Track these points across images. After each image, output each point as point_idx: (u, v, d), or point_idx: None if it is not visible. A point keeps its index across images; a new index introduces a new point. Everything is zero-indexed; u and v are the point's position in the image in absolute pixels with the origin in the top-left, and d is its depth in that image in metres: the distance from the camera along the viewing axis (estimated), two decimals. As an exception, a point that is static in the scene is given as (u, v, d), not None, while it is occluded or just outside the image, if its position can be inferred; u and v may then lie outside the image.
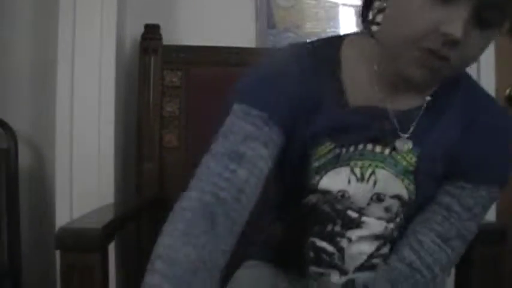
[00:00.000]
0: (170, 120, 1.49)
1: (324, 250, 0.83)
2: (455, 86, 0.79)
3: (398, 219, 0.81)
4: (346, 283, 0.83)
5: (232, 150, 0.71)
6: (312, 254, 0.84)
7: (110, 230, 0.99)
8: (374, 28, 0.77)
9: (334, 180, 0.78)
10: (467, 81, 0.81)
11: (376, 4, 0.77)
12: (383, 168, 0.77)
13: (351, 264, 0.82)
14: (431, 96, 0.78)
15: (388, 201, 0.79)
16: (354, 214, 0.80)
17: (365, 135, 0.77)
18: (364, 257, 0.82)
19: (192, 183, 0.70)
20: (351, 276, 0.83)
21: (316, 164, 0.78)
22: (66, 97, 1.43)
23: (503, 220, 1.63)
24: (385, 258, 0.82)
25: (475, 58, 0.70)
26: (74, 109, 1.43)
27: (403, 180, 0.77)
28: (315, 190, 0.79)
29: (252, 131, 0.72)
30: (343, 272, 0.83)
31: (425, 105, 0.78)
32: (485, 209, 0.80)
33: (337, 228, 0.81)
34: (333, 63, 0.78)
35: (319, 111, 0.76)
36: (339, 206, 0.80)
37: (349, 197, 0.78)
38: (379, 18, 0.76)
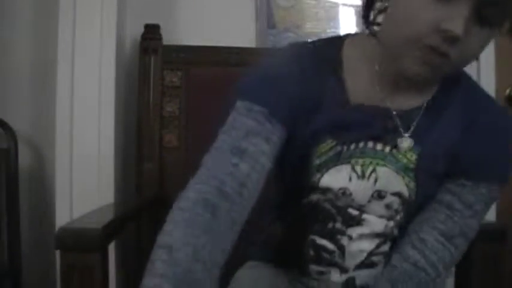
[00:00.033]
0: (170, 120, 1.49)
1: (324, 248, 0.83)
2: (455, 86, 0.80)
3: (398, 217, 0.81)
4: (347, 281, 0.84)
5: (234, 145, 0.71)
6: (312, 252, 0.84)
7: (110, 230, 0.99)
8: (375, 28, 0.78)
9: (335, 178, 0.78)
10: (467, 81, 0.82)
11: (378, 5, 0.77)
12: (384, 165, 0.78)
13: (351, 262, 0.83)
14: (432, 96, 0.79)
15: (389, 199, 0.79)
16: (354, 212, 0.80)
17: (366, 133, 0.78)
18: (364, 255, 0.82)
19: (194, 177, 0.70)
20: (351, 274, 0.83)
21: (317, 162, 0.78)
22: (66, 97, 1.43)
23: (503, 220, 1.63)
24: (385, 255, 0.82)
25: (475, 55, 0.71)
26: (74, 109, 1.43)
27: (403, 178, 0.78)
28: (315, 188, 0.79)
29: (253, 126, 0.73)
30: (343, 270, 0.83)
31: (425, 104, 0.79)
32: (487, 206, 0.80)
33: (338, 226, 0.82)
34: (334, 62, 0.79)
35: (321, 110, 0.77)
36: (339, 204, 0.80)
37: (350, 194, 0.79)
38: (380, 18, 0.77)
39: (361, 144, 0.78)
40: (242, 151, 0.70)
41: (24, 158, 1.57)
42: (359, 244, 0.82)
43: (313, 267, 0.85)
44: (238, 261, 0.95)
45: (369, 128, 0.78)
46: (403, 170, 0.78)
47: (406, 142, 0.77)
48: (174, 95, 1.49)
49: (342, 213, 0.81)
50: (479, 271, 1.06)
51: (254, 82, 0.77)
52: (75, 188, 1.43)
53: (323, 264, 0.84)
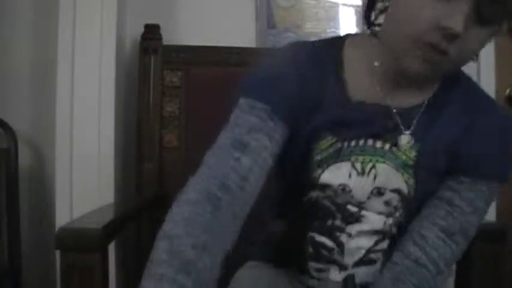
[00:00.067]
0: (170, 120, 1.49)
1: (323, 245, 0.83)
2: (455, 86, 0.81)
3: (397, 214, 0.81)
4: (346, 278, 0.84)
5: (237, 140, 0.72)
6: (311, 249, 0.85)
7: (110, 230, 0.99)
8: (376, 29, 0.80)
9: (335, 174, 0.79)
10: (467, 82, 0.83)
11: (378, 5, 0.79)
12: (383, 162, 0.78)
13: (349, 259, 0.83)
14: (433, 94, 0.80)
15: (388, 195, 0.79)
16: (353, 208, 0.81)
17: (366, 131, 0.78)
18: (363, 252, 0.83)
19: (196, 174, 0.70)
20: (350, 271, 0.83)
21: (317, 158, 0.79)
22: (66, 97, 1.43)
23: (503, 220, 1.63)
24: (384, 253, 0.83)
25: (474, 54, 0.72)
26: (74, 109, 1.43)
27: (402, 175, 0.79)
28: (315, 185, 0.80)
29: (256, 122, 0.74)
30: (342, 267, 0.83)
31: (426, 102, 0.80)
32: (487, 204, 0.80)
33: (337, 223, 0.82)
34: (335, 62, 0.80)
35: (321, 108, 0.78)
36: (339, 201, 0.81)
37: (349, 191, 0.79)
38: (380, 19, 0.78)
39: (361, 142, 0.79)
40: (244, 145, 0.71)
41: (24, 158, 1.57)
42: (358, 241, 0.82)
43: (312, 265, 0.85)
44: (238, 261, 0.95)
45: (369, 125, 0.78)
46: (402, 167, 0.78)
47: (405, 139, 0.78)
48: (174, 95, 1.49)
49: (342, 210, 0.81)
50: (479, 271, 1.06)
51: (257, 80, 0.78)
52: (75, 188, 1.43)
53: (322, 261, 0.84)
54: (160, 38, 1.50)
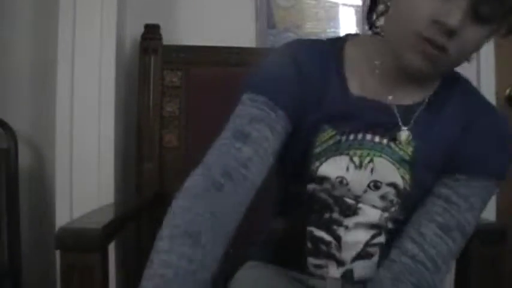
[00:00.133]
0: (170, 120, 1.49)
1: (321, 240, 0.84)
2: (454, 86, 0.83)
3: (393, 209, 0.82)
4: (345, 274, 0.84)
5: (238, 130, 0.74)
6: (310, 245, 0.85)
7: (110, 230, 0.99)
8: (377, 29, 0.82)
9: (333, 167, 0.80)
10: (465, 84, 0.85)
11: (380, 8, 0.81)
12: (380, 156, 0.80)
13: (347, 254, 0.84)
14: (433, 92, 0.82)
15: (384, 189, 0.80)
16: (350, 201, 0.82)
17: (365, 125, 0.80)
18: (360, 246, 0.83)
19: (198, 166, 0.72)
20: (348, 267, 0.84)
21: (317, 150, 0.80)
22: (66, 97, 1.43)
23: (503, 220, 1.64)
24: (381, 247, 0.83)
25: (473, 52, 0.74)
26: (74, 109, 1.43)
27: (399, 169, 0.80)
28: (313, 178, 0.81)
29: (257, 114, 0.76)
30: (340, 263, 0.84)
31: (427, 100, 0.82)
32: (483, 202, 0.81)
33: (335, 216, 0.83)
34: (337, 60, 0.83)
35: (322, 102, 0.80)
36: (336, 193, 0.82)
37: (346, 184, 0.80)
38: (381, 21, 0.81)
39: (359, 136, 0.80)
40: (245, 136, 0.74)
41: (24, 158, 1.57)
42: (355, 234, 0.83)
43: (311, 260, 0.86)
44: (238, 261, 0.95)
45: (368, 119, 0.80)
46: (399, 162, 0.80)
47: (404, 135, 0.80)
48: (174, 95, 1.49)
49: (339, 203, 0.82)
50: (479, 271, 1.06)
51: (258, 76, 0.81)
52: (75, 188, 1.43)
53: (321, 256, 0.85)
54: (160, 38, 1.50)
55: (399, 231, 0.81)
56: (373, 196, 0.81)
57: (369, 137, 0.80)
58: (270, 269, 0.92)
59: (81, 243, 0.91)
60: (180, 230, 0.64)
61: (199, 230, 0.64)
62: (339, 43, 0.85)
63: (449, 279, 1.07)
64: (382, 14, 0.81)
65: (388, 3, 0.77)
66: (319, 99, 0.80)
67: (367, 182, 0.80)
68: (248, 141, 0.73)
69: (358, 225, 0.82)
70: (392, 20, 0.76)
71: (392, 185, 0.80)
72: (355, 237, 0.83)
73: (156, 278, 0.60)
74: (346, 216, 0.82)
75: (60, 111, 1.44)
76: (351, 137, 0.80)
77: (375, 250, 0.84)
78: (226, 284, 0.89)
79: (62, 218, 1.37)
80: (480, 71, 1.72)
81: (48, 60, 1.52)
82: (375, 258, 0.84)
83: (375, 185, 0.80)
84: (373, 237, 0.83)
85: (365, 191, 0.81)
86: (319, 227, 0.84)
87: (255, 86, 0.79)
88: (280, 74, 0.80)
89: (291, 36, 1.69)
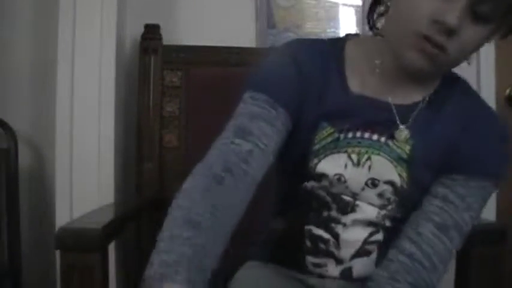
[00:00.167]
0: (170, 120, 1.49)
1: (320, 238, 0.85)
2: (453, 87, 0.84)
3: (390, 207, 0.83)
4: (343, 272, 0.85)
5: (238, 127, 0.76)
6: (309, 243, 0.86)
7: (110, 230, 0.99)
8: (378, 30, 0.83)
9: (331, 165, 0.81)
10: (464, 85, 0.86)
11: (380, 9, 0.82)
12: (378, 154, 0.81)
13: (346, 252, 0.84)
14: (432, 92, 0.83)
15: (382, 187, 0.81)
16: (348, 198, 0.83)
17: (364, 122, 0.81)
18: (359, 244, 0.84)
19: (201, 161, 0.73)
20: (346, 265, 0.85)
21: (315, 148, 0.81)
22: (66, 97, 1.43)
23: (503, 220, 1.64)
24: (379, 245, 0.84)
25: (472, 52, 0.75)
26: (74, 109, 1.43)
27: (396, 167, 0.80)
28: (312, 175, 0.82)
29: (258, 111, 0.77)
30: (339, 261, 0.85)
31: (427, 98, 0.82)
32: (480, 203, 0.81)
33: (333, 214, 0.84)
34: (337, 59, 0.83)
35: (322, 100, 0.81)
36: (334, 190, 0.82)
37: (344, 181, 0.81)
38: (381, 21, 0.82)
39: (358, 134, 0.81)
40: (246, 132, 0.75)
41: (24, 158, 1.57)
42: (353, 231, 0.83)
43: (310, 259, 0.86)
44: (238, 261, 0.95)
45: (367, 117, 0.81)
46: (397, 160, 0.80)
47: (402, 133, 0.81)
48: (174, 95, 1.49)
49: (337, 200, 0.83)
50: (479, 271, 1.06)
51: (260, 75, 0.82)
52: (75, 188, 1.43)
53: (320, 255, 0.85)
54: (160, 38, 1.50)
55: (397, 229, 0.82)
56: (371, 194, 0.82)
57: (367, 135, 0.81)
58: (269, 268, 0.92)
59: (81, 243, 0.91)
60: (180, 222, 0.64)
61: (199, 220, 0.64)
62: (339, 43, 0.86)
63: (449, 279, 1.07)
64: (382, 14, 0.81)
65: (389, 4, 0.78)
66: (319, 97, 0.81)
67: (365, 180, 0.81)
68: (248, 137, 0.74)
69: (355, 223, 0.83)
70: (393, 20, 0.77)
71: (390, 182, 0.81)
72: (353, 234, 0.84)
73: (158, 262, 0.61)
74: (344, 213, 0.83)
75: (60, 111, 1.44)
76: (350, 134, 0.81)
77: (373, 248, 0.84)
78: (226, 284, 0.89)
79: (62, 218, 1.37)
80: (480, 71, 1.72)
81: (48, 60, 1.52)
82: (373, 256, 0.84)
83: (373, 183, 0.81)
84: (371, 234, 0.84)
85: (362, 189, 0.82)
86: (317, 225, 0.85)
87: (256, 84, 0.80)
88: (280, 73, 0.81)
89: (291, 36, 1.69)
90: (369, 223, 0.83)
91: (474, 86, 0.89)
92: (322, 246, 0.85)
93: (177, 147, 1.49)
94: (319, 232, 0.85)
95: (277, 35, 1.69)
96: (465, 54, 0.75)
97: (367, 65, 0.82)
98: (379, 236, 0.84)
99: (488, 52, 1.67)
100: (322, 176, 0.82)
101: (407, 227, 0.81)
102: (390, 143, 0.81)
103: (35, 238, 1.57)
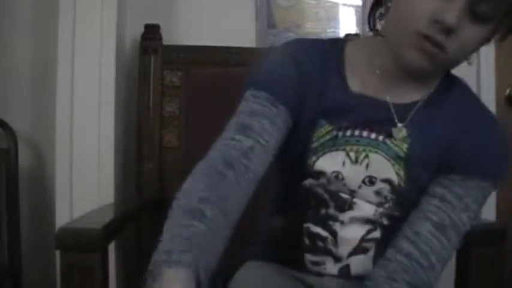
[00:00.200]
0: (170, 120, 1.49)
1: (318, 235, 0.85)
2: (452, 88, 0.84)
3: (387, 205, 0.83)
4: (342, 270, 0.85)
5: (239, 124, 0.77)
6: (307, 241, 0.86)
7: (110, 230, 0.99)
8: (378, 31, 0.83)
9: (329, 162, 0.82)
10: (462, 86, 0.86)
11: (380, 9, 0.83)
12: (376, 152, 0.81)
13: (343, 249, 0.85)
14: (431, 92, 0.84)
15: (379, 185, 0.82)
16: (346, 196, 0.83)
17: (362, 121, 0.81)
18: (356, 241, 0.84)
19: (203, 158, 0.74)
20: (344, 262, 0.85)
21: (314, 145, 0.82)
22: (66, 97, 1.43)
23: (503, 220, 1.64)
24: (376, 242, 0.84)
25: (471, 52, 0.76)
26: (74, 109, 1.43)
27: (393, 165, 0.81)
28: (310, 173, 0.83)
29: (259, 109, 0.78)
30: (337, 258, 0.85)
31: (426, 98, 0.83)
32: (477, 204, 0.81)
33: (331, 211, 0.84)
34: (337, 58, 0.84)
35: (322, 98, 0.82)
36: (331, 188, 0.83)
37: (342, 179, 0.82)
38: (382, 22, 0.83)
39: (356, 132, 0.82)
40: (246, 128, 0.76)
41: (24, 158, 1.57)
42: (350, 229, 0.84)
43: (308, 257, 0.87)
44: (238, 261, 0.95)
45: (365, 116, 0.81)
46: (394, 158, 0.81)
47: (400, 132, 0.81)
48: (174, 95, 1.49)
49: (335, 198, 0.83)
50: (479, 271, 1.06)
51: (260, 73, 0.83)
52: (75, 188, 1.43)
53: (318, 253, 0.86)
54: (160, 38, 1.50)
55: (394, 227, 0.82)
56: (368, 191, 0.82)
57: (365, 133, 0.82)
58: (269, 268, 0.92)
59: (81, 243, 0.91)
60: (186, 209, 0.65)
61: (204, 209, 0.65)
62: (339, 43, 0.87)
63: (449, 279, 1.07)
64: (382, 15, 0.82)
65: (389, 4, 0.79)
66: (318, 96, 0.82)
67: (362, 177, 0.82)
68: (250, 134, 0.75)
69: (353, 220, 0.84)
70: (393, 20, 0.78)
71: (387, 180, 0.81)
72: (350, 232, 0.84)
73: (162, 248, 0.61)
74: (342, 211, 0.84)
75: (60, 111, 1.44)
76: (348, 132, 0.81)
77: (371, 245, 0.85)
78: (226, 284, 0.89)
79: (62, 218, 1.37)
80: (480, 71, 1.72)
81: (48, 60, 1.52)
82: (371, 254, 0.85)
83: (370, 181, 0.82)
84: (369, 232, 0.84)
85: (360, 186, 0.82)
86: (315, 223, 0.86)
87: (257, 83, 0.81)
88: (281, 72, 0.82)
89: (291, 36, 1.69)
90: (367, 221, 0.84)
91: (474, 86, 0.90)
92: (320, 244, 0.85)
93: (177, 147, 1.49)
94: (317, 230, 0.85)
95: (277, 35, 1.69)
96: (465, 54, 0.76)
97: (367, 65, 0.83)
98: (377, 234, 0.84)
99: (488, 52, 1.67)
100: (320, 174, 0.82)
101: (405, 226, 0.81)
102: (388, 141, 0.81)
103: (35, 238, 1.57)
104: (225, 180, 0.70)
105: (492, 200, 1.65)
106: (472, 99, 0.86)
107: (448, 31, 0.70)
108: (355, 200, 0.83)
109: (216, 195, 0.68)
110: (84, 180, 1.43)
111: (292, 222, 0.89)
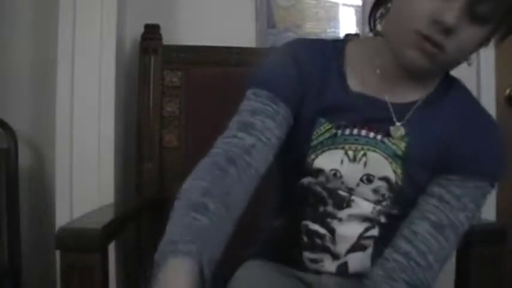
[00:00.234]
0: (170, 120, 1.49)
1: (316, 233, 0.86)
2: (451, 88, 0.85)
3: (385, 203, 0.84)
4: (340, 267, 0.86)
5: (241, 122, 0.78)
6: (305, 239, 0.87)
7: (110, 230, 0.99)
8: (379, 29, 0.84)
9: (328, 160, 0.82)
10: (461, 87, 0.87)
11: (381, 10, 0.83)
12: (374, 151, 0.82)
13: (341, 247, 0.85)
14: (430, 92, 0.84)
15: (377, 183, 0.82)
16: (344, 193, 0.84)
17: (361, 119, 0.82)
18: (354, 239, 0.85)
19: (205, 156, 0.74)
20: (342, 260, 0.85)
21: (313, 143, 0.83)
22: (66, 97, 1.43)
23: (503, 220, 1.64)
24: (374, 240, 0.85)
25: (471, 52, 0.77)
26: (74, 109, 1.43)
27: (391, 164, 0.82)
28: (309, 171, 0.83)
29: (261, 107, 0.79)
30: (335, 256, 0.86)
31: (424, 98, 0.83)
32: (475, 204, 0.82)
33: (329, 209, 0.85)
34: (337, 58, 0.85)
35: (322, 97, 0.83)
36: (330, 186, 0.84)
37: (340, 177, 0.83)
38: (382, 23, 0.83)
39: (355, 131, 0.82)
40: (248, 126, 0.77)
41: (24, 158, 1.57)
42: (348, 226, 0.84)
43: (307, 255, 0.87)
44: (238, 261, 0.95)
45: (364, 115, 0.82)
46: (392, 157, 0.82)
47: (398, 130, 0.82)
48: (174, 95, 1.50)
49: (333, 195, 0.84)
50: (479, 271, 1.06)
51: (262, 72, 0.84)
52: (75, 188, 1.43)
53: (316, 250, 0.86)
54: (160, 38, 1.50)
55: (392, 225, 0.83)
56: (366, 189, 0.83)
57: (364, 132, 0.82)
58: (268, 267, 0.93)
59: (81, 243, 0.91)
60: (189, 202, 0.66)
61: (207, 203, 0.66)
62: (339, 43, 0.87)
63: (449, 279, 1.07)
64: (383, 15, 0.83)
65: (389, 5, 0.79)
66: (318, 95, 0.83)
67: (360, 175, 0.82)
68: (251, 131, 0.76)
69: (351, 218, 0.84)
70: (393, 20, 0.78)
71: (385, 179, 0.82)
72: (348, 229, 0.85)
73: (165, 240, 0.61)
74: (340, 208, 0.84)
75: (60, 111, 1.44)
76: (347, 131, 0.82)
77: (369, 243, 0.85)
78: (226, 284, 0.89)
79: (62, 218, 1.37)
80: (480, 71, 1.72)
81: (48, 60, 1.52)
82: (369, 251, 0.85)
83: (368, 179, 0.82)
84: (366, 230, 0.85)
85: (358, 184, 0.83)
86: (314, 221, 0.86)
87: (258, 81, 0.82)
88: (281, 71, 0.83)
89: (291, 36, 1.69)
90: (365, 218, 0.84)
91: (474, 86, 0.91)
92: (318, 241, 0.86)
93: (177, 147, 1.49)
94: (315, 227, 0.86)
95: (277, 35, 1.69)
96: (464, 54, 0.76)
97: (367, 65, 0.84)
98: (375, 232, 0.85)
99: (488, 52, 1.66)
100: (319, 172, 0.83)
101: (403, 225, 0.82)
102: (386, 140, 0.82)
103: (35, 238, 1.57)
104: (227, 176, 0.71)
105: (492, 200, 1.65)
106: (471, 101, 0.87)
107: (448, 31, 0.70)
108: (353, 197, 0.84)
109: (219, 190, 0.68)
110: (84, 180, 1.43)
111: (291, 220, 0.89)
